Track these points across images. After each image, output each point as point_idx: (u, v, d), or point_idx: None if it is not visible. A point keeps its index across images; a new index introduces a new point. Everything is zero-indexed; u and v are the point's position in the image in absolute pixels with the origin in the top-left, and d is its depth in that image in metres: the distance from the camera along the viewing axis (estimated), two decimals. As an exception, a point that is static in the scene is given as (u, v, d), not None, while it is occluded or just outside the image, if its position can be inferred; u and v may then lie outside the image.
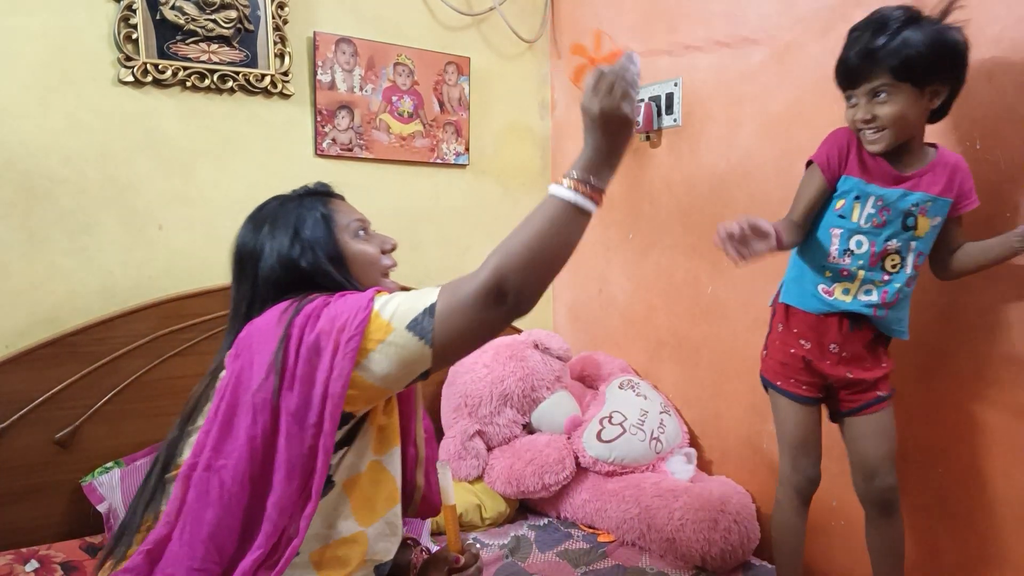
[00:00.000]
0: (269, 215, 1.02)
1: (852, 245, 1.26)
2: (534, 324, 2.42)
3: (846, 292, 1.28)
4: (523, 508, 1.94)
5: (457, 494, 1.81)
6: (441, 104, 2.22)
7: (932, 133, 1.38)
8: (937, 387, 1.41)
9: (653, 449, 1.85)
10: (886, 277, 1.25)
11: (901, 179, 1.23)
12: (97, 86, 1.70)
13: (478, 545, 1.69)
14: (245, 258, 1.00)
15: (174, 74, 1.76)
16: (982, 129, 1.30)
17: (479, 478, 1.90)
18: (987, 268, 1.25)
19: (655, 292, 2.09)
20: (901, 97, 1.16)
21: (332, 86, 2.01)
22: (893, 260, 1.25)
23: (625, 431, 1.85)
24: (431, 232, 2.24)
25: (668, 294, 2.04)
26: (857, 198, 1.25)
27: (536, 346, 2.05)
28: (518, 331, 2.25)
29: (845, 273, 1.27)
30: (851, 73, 1.21)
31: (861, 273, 1.26)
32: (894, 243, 1.24)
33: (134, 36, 1.71)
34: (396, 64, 2.12)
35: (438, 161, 2.23)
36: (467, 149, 2.28)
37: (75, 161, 1.68)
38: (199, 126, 1.83)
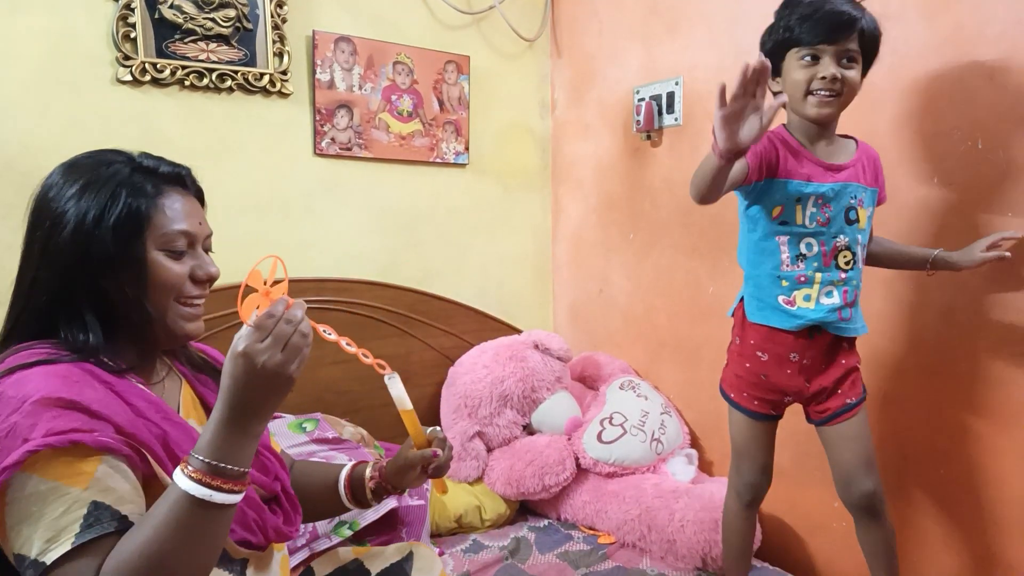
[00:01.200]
0: (86, 171, 0.81)
1: (803, 249, 1.23)
2: (534, 324, 2.42)
3: (807, 299, 1.24)
4: (523, 509, 1.94)
5: (456, 496, 1.82)
6: (441, 103, 2.21)
7: (930, 133, 1.37)
8: (937, 387, 1.41)
9: (654, 450, 1.85)
10: (843, 275, 1.24)
11: (834, 170, 1.22)
12: (96, 86, 1.69)
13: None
14: (42, 214, 0.81)
15: (172, 73, 1.75)
16: (983, 129, 1.30)
17: (479, 479, 1.89)
18: (900, 269, 1.36)
19: (656, 292, 2.08)
20: (858, 67, 1.19)
21: (331, 85, 2.00)
22: (846, 256, 1.24)
23: (626, 432, 1.85)
24: (430, 232, 2.23)
25: (669, 294, 2.03)
26: (798, 200, 1.21)
27: (536, 346, 2.04)
28: (518, 331, 2.25)
29: (802, 279, 1.24)
30: (838, 27, 1.15)
31: (819, 276, 1.23)
32: (843, 238, 1.22)
33: (132, 35, 1.70)
34: (395, 63, 2.11)
35: (438, 160, 2.22)
36: (467, 148, 2.28)
37: (73, 161, 1.67)
38: (198, 125, 1.82)
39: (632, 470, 1.83)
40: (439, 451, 1.00)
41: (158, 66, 1.74)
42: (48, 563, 0.65)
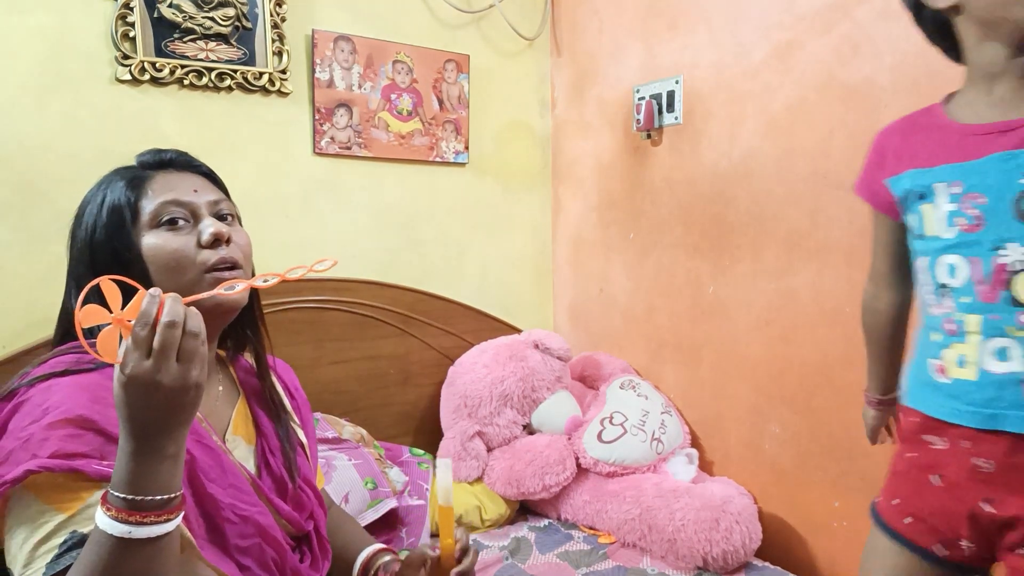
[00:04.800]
0: (95, 188, 0.84)
1: (943, 275, 0.79)
2: (534, 324, 2.42)
3: (962, 363, 0.78)
4: (523, 509, 1.93)
5: (456, 496, 1.81)
6: (440, 102, 2.21)
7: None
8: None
9: (654, 450, 1.85)
10: None
11: (988, 133, 0.76)
12: (94, 84, 1.69)
13: (478, 544, 1.69)
14: (74, 223, 0.84)
15: (172, 72, 1.75)
16: (986, 127, 1.29)
17: (479, 479, 1.89)
18: None
19: (656, 292, 2.08)
20: None
21: (330, 84, 2.00)
22: None
23: (626, 432, 1.85)
24: (430, 231, 2.23)
25: (669, 294, 2.03)
26: (921, 197, 0.80)
27: (536, 346, 2.04)
28: (518, 331, 2.24)
29: (951, 328, 0.79)
30: None
31: (974, 319, 0.76)
32: (1016, 249, 0.73)
33: (131, 34, 1.69)
34: (395, 62, 2.11)
35: (437, 159, 2.22)
36: (467, 147, 2.27)
37: (73, 160, 1.67)
38: (197, 124, 1.82)
39: (632, 470, 1.82)
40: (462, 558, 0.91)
41: (157, 65, 1.73)
42: None
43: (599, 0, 2.21)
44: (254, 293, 0.94)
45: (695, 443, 1.98)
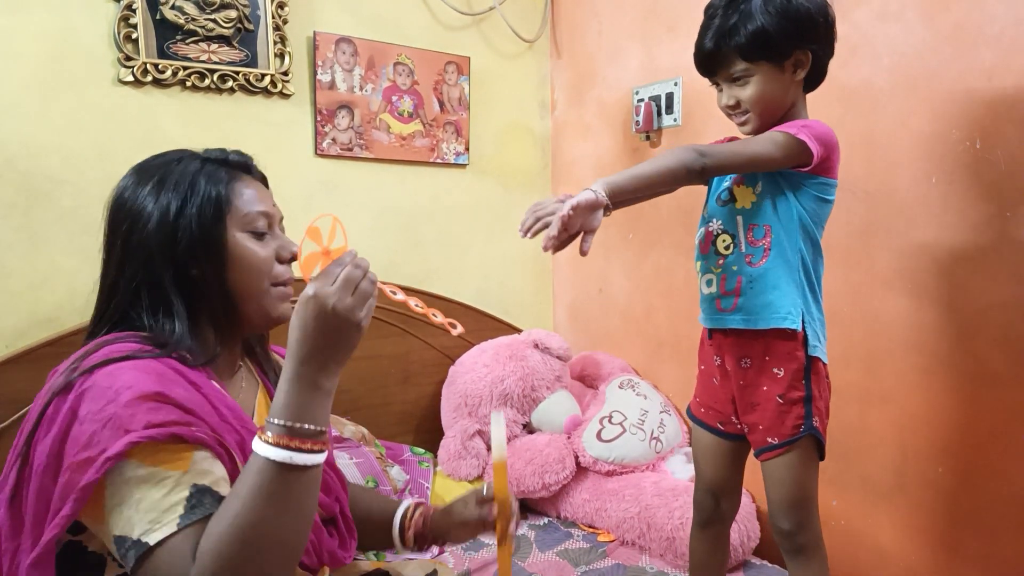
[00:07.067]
0: (158, 169, 0.83)
1: (695, 238, 1.24)
2: (534, 324, 2.43)
3: (700, 292, 1.23)
4: (523, 508, 1.94)
5: (457, 494, 1.81)
6: (441, 104, 2.22)
7: (929, 132, 1.38)
8: (937, 387, 1.41)
9: (653, 449, 1.86)
10: (720, 261, 1.17)
11: None
12: (97, 86, 1.70)
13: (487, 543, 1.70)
14: (120, 214, 0.82)
15: (174, 74, 1.76)
16: (982, 129, 1.30)
17: (479, 478, 1.90)
18: None
19: (655, 292, 2.09)
20: (760, 77, 1.10)
21: (332, 86, 2.01)
22: (724, 240, 1.17)
23: (625, 431, 1.86)
24: (431, 232, 2.24)
25: (668, 294, 2.04)
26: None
27: (536, 346, 2.05)
28: (518, 330, 2.25)
29: (696, 268, 1.24)
30: (706, 62, 1.16)
31: (699, 263, 1.22)
32: (716, 222, 1.18)
33: (134, 36, 1.71)
34: (396, 64, 2.12)
35: (438, 161, 2.23)
36: (467, 149, 2.28)
37: (75, 161, 1.68)
38: (199, 126, 1.83)
39: (631, 468, 1.83)
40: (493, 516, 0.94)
41: (159, 67, 1.74)
42: (152, 543, 0.65)
43: (599, 2, 2.22)
44: None
45: (694, 443, 1.99)
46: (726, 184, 1.17)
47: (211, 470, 0.71)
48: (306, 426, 0.69)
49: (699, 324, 1.29)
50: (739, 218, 1.15)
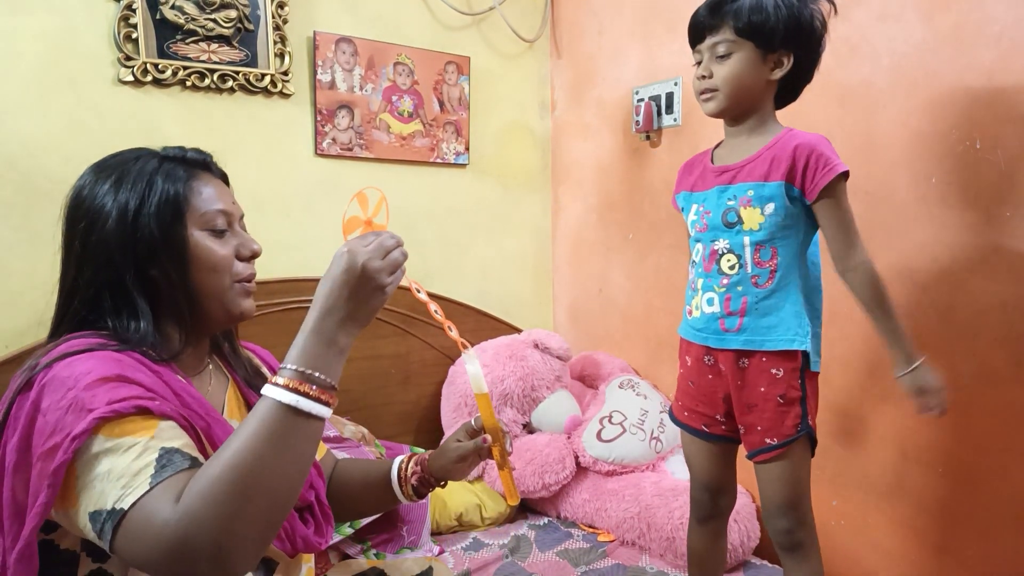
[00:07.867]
0: (116, 168, 0.83)
1: (694, 254, 1.24)
2: (534, 324, 2.43)
3: (697, 307, 1.22)
4: (523, 507, 1.94)
5: (457, 494, 1.82)
6: (441, 104, 2.22)
7: (929, 133, 1.38)
8: (937, 387, 1.41)
9: (653, 449, 1.86)
10: (725, 280, 1.17)
11: (719, 173, 1.19)
12: (97, 86, 1.70)
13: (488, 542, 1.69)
14: (78, 213, 0.82)
15: (174, 74, 1.76)
16: (982, 129, 1.30)
17: (479, 478, 1.90)
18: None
19: (655, 292, 2.09)
20: (741, 56, 1.12)
21: (332, 86, 2.01)
22: (729, 260, 1.17)
23: (625, 431, 1.86)
24: (431, 232, 2.24)
25: (668, 294, 2.04)
26: (682, 209, 1.28)
27: (536, 346, 2.05)
28: (518, 331, 2.25)
29: (692, 287, 1.24)
30: (697, 27, 1.17)
31: (699, 281, 1.21)
32: (722, 242, 1.17)
33: (134, 36, 1.71)
34: (396, 64, 2.12)
35: (438, 161, 2.23)
36: (467, 149, 2.28)
37: (75, 161, 1.66)
38: (199, 126, 1.83)
39: (631, 468, 1.83)
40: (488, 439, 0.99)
41: (159, 66, 1.74)
42: (126, 507, 0.64)
43: (598, 2, 2.22)
44: None
45: (694, 442, 1.99)
46: (730, 205, 1.17)
47: (179, 436, 0.71)
48: (318, 374, 0.70)
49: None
50: (746, 239, 1.16)
